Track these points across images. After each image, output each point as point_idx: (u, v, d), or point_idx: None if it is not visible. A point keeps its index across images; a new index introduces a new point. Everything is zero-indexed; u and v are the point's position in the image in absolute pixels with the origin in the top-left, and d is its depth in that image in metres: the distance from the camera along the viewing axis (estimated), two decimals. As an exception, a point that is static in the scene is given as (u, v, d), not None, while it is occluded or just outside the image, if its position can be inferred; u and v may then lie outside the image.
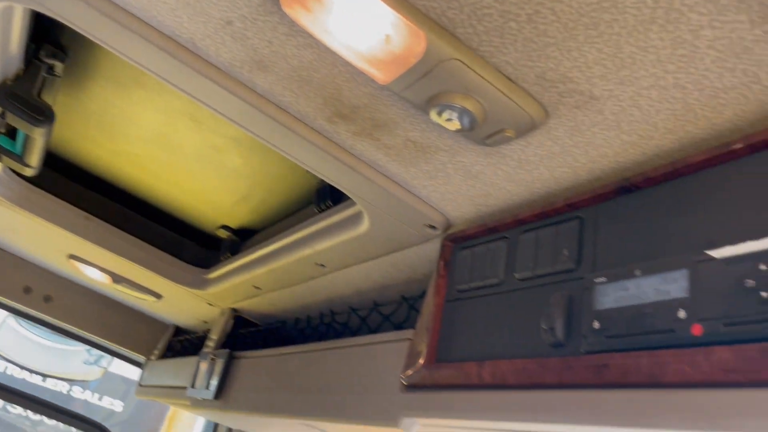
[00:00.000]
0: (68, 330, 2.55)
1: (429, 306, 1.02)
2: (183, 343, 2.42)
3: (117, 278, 2.03)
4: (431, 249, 1.14)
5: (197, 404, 1.80)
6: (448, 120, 0.74)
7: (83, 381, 6.64)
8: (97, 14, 0.81)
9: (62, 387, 6.68)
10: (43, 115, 1.21)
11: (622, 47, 0.61)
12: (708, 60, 0.59)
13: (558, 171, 0.82)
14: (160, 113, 1.34)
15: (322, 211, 1.29)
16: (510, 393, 0.79)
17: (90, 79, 1.31)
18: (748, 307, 0.56)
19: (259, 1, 0.71)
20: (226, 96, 0.90)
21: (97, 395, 6.90)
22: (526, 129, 0.75)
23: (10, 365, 6.29)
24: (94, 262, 1.97)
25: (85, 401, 6.80)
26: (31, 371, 6.25)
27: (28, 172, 1.39)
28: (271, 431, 2.04)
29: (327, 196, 1.27)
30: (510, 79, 0.70)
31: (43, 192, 1.66)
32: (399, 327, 1.24)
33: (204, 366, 1.79)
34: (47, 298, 2.41)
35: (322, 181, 1.05)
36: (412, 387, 0.98)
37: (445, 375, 0.91)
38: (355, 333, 1.42)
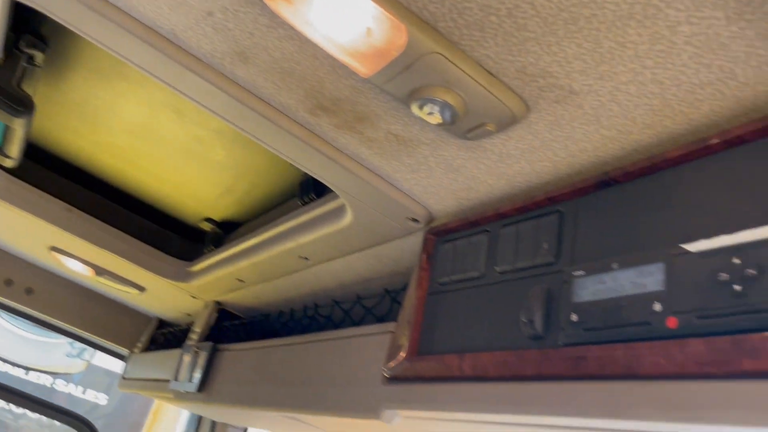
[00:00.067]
0: (50, 323, 2.53)
1: (411, 299, 1.03)
2: (166, 335, 2.41)
3: (99, 271, 2.01)
4: (414, 242, 1.14)
5: (180, 397, 1.80)
6: (430, 114, 0.74)
7: (66, 374, 6.59)
8: (77, 4, 0.80)
9: (45, 380, 6.63)
10: (23, 106, 1.20)
11: (601, 42, 0.61)
12: (685, 56, 0.60)
13: (539, 165, 0.83)
14: (142, 105, 1.33)
15: (305, 204, 1.29)
16: (490, 385, 0.80)
17: (71, 69, 1.30)
18: (721, 300, 0.57)
19: (240, -7, 0.71)
20: (208, 88, 0.89)
21: (81, 388, 6.85)
22: (507, 123, 0.76)
23: (-9, 358, 6.24)
24: (76, 255, 1.95)
25: (69, 394, 6.75)
26: (14, 364, 6.20)
27: (8, 164, 1.38)
28: (255, 424, 2.04)
29: (310, 189, 1.27)
30: (491, 73, 0.70)
31: (23, 183, 1.64)
32: (382, 320, 1.25)
33: (187, 359, 1.79)
34: (29, 291, 2.39)
35: (306, 174, 1.05)
36: (393, 379, 0.98)
37: (427, 367, 0.92)
38: (338, 326, 1.42)
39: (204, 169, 1.50)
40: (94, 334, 2.55)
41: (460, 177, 0.92)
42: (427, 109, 0.74)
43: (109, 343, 2.58)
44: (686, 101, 0.65)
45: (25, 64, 1.23)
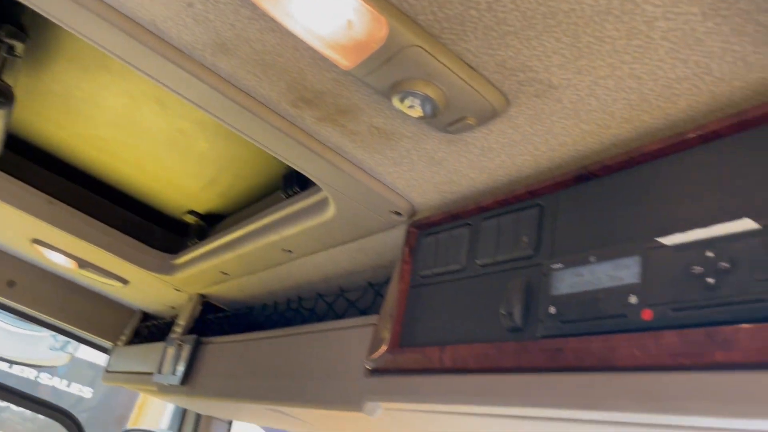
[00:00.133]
0: (33, 316, 2.51)
1: (393, 292, 1.03)
2: (150, 328, 2.40)
3: (82, 263, 2.00)
4: (397, 235, 1.14)
5: (164, 390, 1.79)
6: (410, 107, 0.74)
7: (51, 367, 6.55)
8: None
9: (30, 373, 6.58)
10: (3, 96, 1.19)
11: (579, 37, 0.62)
12: (662, 51, 0.60)
13: (519, 159, 0.84)
14: (124, 96, 1.32)
15: (289, 197, 1.29)
16: (470, 377, 0.80)
17: (53, 60, 1.28)
18: (695, 293, 0.58)
19: (220, -16, 0.71)
20: (189, 79, 0.89)
21: (65, 382, 6.81)
22: (488, 117, 0.76)
23: (-26, 352, 6.17)
24: (58, 247, 1.94)
25: (53, 388, 6.71)
26: (-3, 358, 6.15)
27: (-11, 155, 1.37)
28: (239, 416, 2.04)
29: (294, 182, 1.27)
30: (471, 67, 0.71)
31: (4, 175, 1.63)
32: (365, 312, 1.25)
33: (171, 351, 1.78)
34: (11, 283, 2.37)
35: (289, 166, 1.05)
36: (375, 371, 0.98)
37: (408, 359, 0.92)
38: (321, 318, 1.42)
39: (187, 161, 1.49)
40: (78, 327, 2.54)
41: (442, 170, 0.93)
42: (408, 102, 0.74)
43: (93, 336, 2.57)
44: (663, 96, 0.66)
45: (5, 55, 1.21)
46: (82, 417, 2.60)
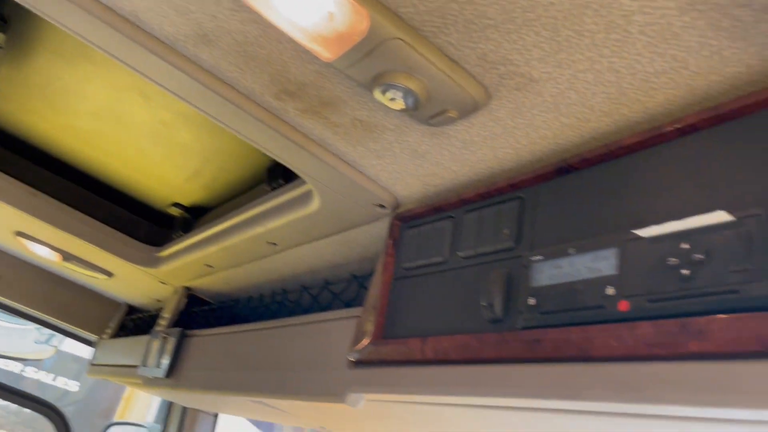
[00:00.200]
0: (17, 309, 2.49)
1: (376, 284, 1.04)
2: (136, 321, 2.39)
3: (67, 256, 1.99)
4: (382, 228, 1.15)
5: (148, 383, 1.79)
6: (392, 99, 0.75)
7: (36, 360, 6.51)
8: None
9: (15, 367, 6.54)
10: (-16, 87, 1.17)
11: (558, 31, 0.62)
12: (639, 45, 0.61)
13: (501, 152, 0.84)
14: (108, 88, 1.31)
15: (273, 189, 1.28)
16: (451, 368, 0.81)
17: (35, 51, 1.27)
18: (670, 284, 0.59)
19: (201, -26, 0.70)
20: (172, 71, 0.88)
21: (51, 375, 6.77)
22: (469, 110, 0.76)
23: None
24: (42, 240, 1.92)
25: (39, 381, 6.67)
26: (-18, 351, 6.10)
27: (-30, 147, 1.35)
28: (224, 409, 2.04)
29: (278, 175, 1.27)
30: (452, 60, 0.71)
31: None
32: (349, 305, 1.26)
33: (156, 344, 1.78)
34: (-6, 277, 2.35)
35: (274, 159, 1.05)
36: (358, 363, 0.99)
37: (391, 351, 0.93)
38: (306, 311, 1.42)
39: (171, 153, 1.48)
40: (63, 320, 2.52)
41: (425, 163, 0.93)
42: (389, 94, 0.74)
43: (78, 329, 2.55)
44: (641, 90, 0.66)
45: (-15, 45, 1.20)
46: (68, 410, 2.59)
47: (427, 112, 0.78)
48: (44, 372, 6.71)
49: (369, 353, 0.97)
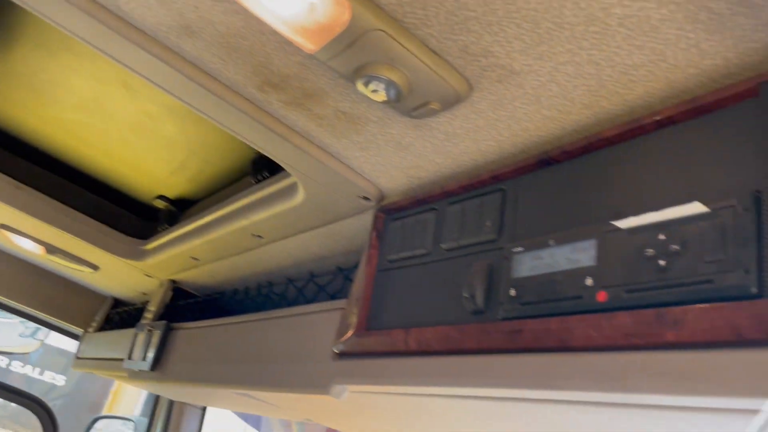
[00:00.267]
0: (2, 302, 2.47)
1: (361, 276, 1.04)
2: (121, 315, 2.38)
3: (51, 249, 1.98)
4: (366, 220, 1.15)
5: (134, 376, 1.79)
6: (374, 91, 0.75)
7: (21, 354, 6.47)
8: None
9: (1, 361, 6.50)
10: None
11: (539, 23, 0.63)
12: (619, 37, 0.61)
13: (483, 144, 0.84)
14: (91, 79, 1.30)
15: (258, 182, 1.28)
16: (433, 359, 0.82)
17: (17, 42, 1.26)
18: (647, 274, 0.59)
19: (182, -36, 0.70)
20: (154, 62, 0.88)
21: (38, 369, 6.74)
22: (451, 102, 0.77)
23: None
24: (26, 233, 1.91)
25: (26, 375, 6.63)
26: (-34, 346, 6.04)
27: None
28: (210, 402, 2.04)
29: (263, 167, 1.26)
30: (434, 52, 0.71)
31: None
32: (334, 297, 1.26)
33: (141, 337, 1.77)
34: (-22, 270, 2.33)
35: (258, 151, 1.05)
36: (343, 355, 0.99)
37: (374, 342, 0.93)
38: (292, 303, 1.42)
39: (155, 146, 1.47)
40: (48, 314, 2.51)
41: (409, 155, 0.93)
42: (372, 86, 0.74)
43: (63, 322, 2.54)
44: (621, 82, 0.67)
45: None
46: (55, 404, 2.58)
47: (409, 104, 0.78)
48: (31, 366, 6.67)
49: (353, 345, 0.98)
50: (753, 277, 0.52)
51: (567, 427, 0.83)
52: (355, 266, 1.24)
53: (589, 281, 0.64)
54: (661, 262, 0.58)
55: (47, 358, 6.78)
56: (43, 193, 1.71)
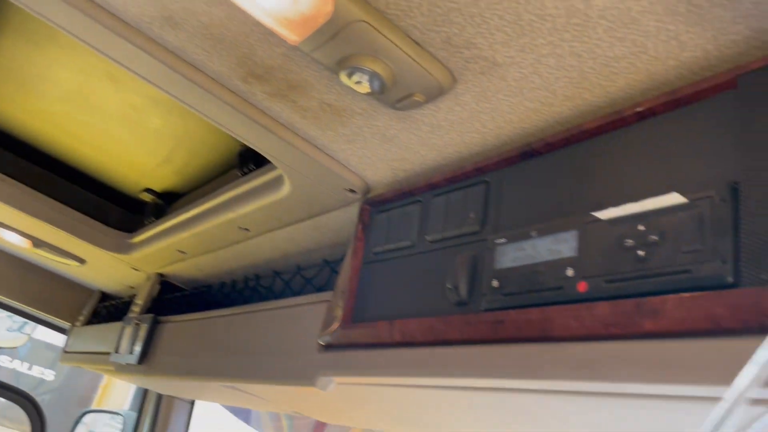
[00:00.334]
0: (-13, 296, 2.46)
1: (346, 268, 1.04)
2: (109, 308, 2.37)
3: (37, 242, 1.96)
4: (353, 213, 1.15)
5: (121, 369, 1.78)
6: (358, 83, 0.75)
7: (10, 349, 6.43)
8: None
9: (-12, 356, 6.46)
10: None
11: (521, 15, 0.63)
12: (600, 29, 0.62)
13: (467, 136, 0.85)
14: (76, 71, 1.29)
15: (244, 174, 1.28)
16: (418, 350, 0.82)
17: (1, 35, 1.25)
18: (627, 265, 0.60)
19: (163, -46, 0.69)
20: (137, 53, 0.87)
21: (26, 364, 6.70)
22: (435, 94, 0.77)
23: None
24: (12, 226, 1.90)
25: (14, 370, 6.60)
26: (-47, 340, 6.00)
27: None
28: (197, 395, 2.04)
29: (249, 160, 1.26)
30: (417, 43, 0.71)
31: None
32: (321, 290, 1.26)
33: (128, 331, 1.77)
34: (-37, 263, 2.32)
35: (245, 144, 1.05)
36: (328, 347, 0.99)
37: (360, 334, 0.94)
38: (279, 296, 1.42)
39: (141, 138, 1.47)
40: (35, 308, 2.49)
41: (394, 147, 0.93)
42: (355, 77, 0.74)
43: (51, 316, 2.52)
44: (602, 74, 0.67)
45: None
46: (43, 399, 2.57)
47: (393, 95, 0.78)
48: (19, 361, 6.64)
49: (338, 337, 0.98)
50: (729, 267, 0.52)
51: (549, 417, 0.84)
52: (342, 259, 1.24)
53: (570, 272, 0.65)
54: (640, 253, 0.59)
55: (36, 352, 6.75)
56: (29, 186, 1.69)
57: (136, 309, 1.89)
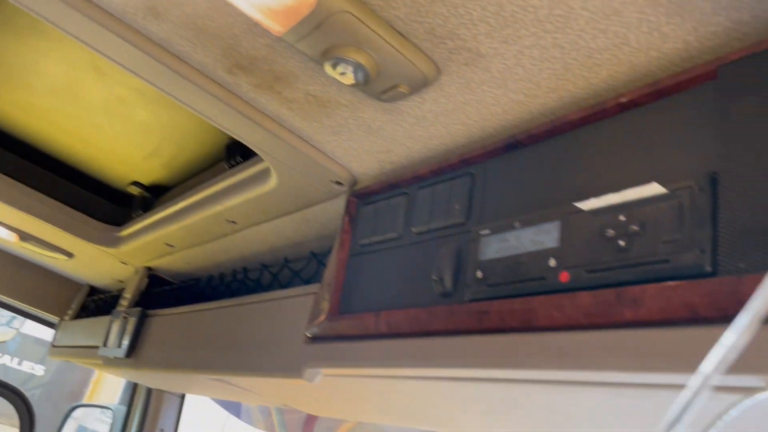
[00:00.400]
0: (-26, 291, 2.44)
1: (333, 261, 1.04)
2: (98, 302, 2.36)
3: (24, 236, 1.95)
4: (340, 205, 1.15)
5: (109, 363, 1.78)
6: (342, 74, 0.75)
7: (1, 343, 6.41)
8: None
9: (-24, 351, 6.44)
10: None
11: (503, 6, 0.63)
12: (582, 21, 0.62)
13: (452, 128, 0.85)
14: (61, 63, 1.28)
15: (231, 167, 1.28)
16: (403, 341, 0.82)
17: (-16, 24, 1.24)
18: (608, 255, 0.60)
19: (146, -56, 0.69)
20: (121, 44, 0.87)
21: (16, 359, 6.68)
22: (420, 85, 0.77)
23: None
24: (-1, 219, 1.89)
25: (4, 365, 6.58)
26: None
27: None
28: (186, 389, 2.03)
29: (236, 152, 1.26)
30: (401, 34, 0.71)
31: None
32: (309, 282, 1.26)
33: (116, 325, 1.76)
34: (-50, 257, 2.30)
35: (232, 136, 1.04)
36: (315, 339, 1.00)
37: (346, 326, 0.94)
38: (267, 289, 1.42)
39: (128, 131, 1.46)
40: (23, 302, 2.48)
41: (380, 139, 0.93)
42: (340, 68, 0.74)
43: (39, 311, 2.51)
44: (586, 66, 0.68)
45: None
46: (33, 394, 2.56)
47: (378, 87, 0.78)
48: (9, 356, 6.61)
49: (325, 329, 0.98)
50: (707, 257, 0.53)
51: (533, 406, 0.84)
52: (329, 251, 1.24)
53: (552, 262, 0.65)
54: (621, 243, 0.59)
55: (25, 347, 6.73)
56: (15, 179, 1.68)
57: (124, 303, 1.88)
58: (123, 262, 1.95)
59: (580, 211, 0.65)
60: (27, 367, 6.70)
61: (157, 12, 0.80)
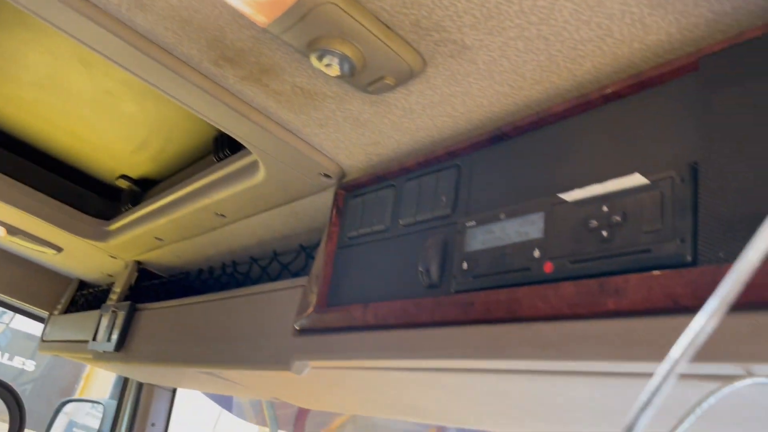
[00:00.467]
0: (-38, 286, 2.43)
1: (321, 253, 1.04)
2: (87, 297, 2.35)
3: (12, 230, 1.94)
4: (328, 198, 1.15)
5: (99, 357, 1.77)
6: (328, 65, 0.75)
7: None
8: None
9: (-34, 347, 6.41)
10: None
11: None
12: (566, 12, 0.62)
13: (439, 120, 0.85)
14: (47, 55, 1.28)
15: (220, 160, 1.27)
16: (390, 333, 0.83)
17: (-32, 16, 1.23)
18: (591, 245, 0.61)
19: (129, -65, 0.69)
20: (106, 36, 0.86)
21: (7, 355, 6.66)
22: (406, 77, 0.77)
23: None
24: (-15, 214, 1.87)
25: (-6, 361, 6.56)
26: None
27: None
28: (176, 382, 2.03)
29: (224, 145, 1.25)
30: (386, 26, 0.71)
31: None
32: (298, 275, 1.26)
33: (106, 319, 1.76)
34: (-63, 252, 2.28)
35: (220, 129, 1.04)
36: (303, 331, 1.00)
37: (334, 318, 0.94)
38: (256, 282, 1.42)
39: (116, 124, 1.45)
40: (12, 297, 2.47)
41: (367, 132, 0.93)
42: (325, 60, 0.74)
43: (28, 305, 2.50)
44: (570, 57, 0.68)
45: None
46: (24, 389, 2.55)
47: (364, 78, 0.78)
48: (-1, 351, 6.59)
49: (313, 321, 0.98)
50: (688, 246, 0.53)
51: (519, 396, 0.85)
52: (318, 244, 1.24)
53: (536, 253, 0.66)
54: (604, 233, 0.60)
55: (16, 343, 6.70)
56: (2, 173, 1.67)
57: (114, 297, 1.88)
58: (112, 256, 1.94)
59: (564, 202, 0.65)
60: (18, 362, 6.68)
61: (142, 3, 0.80)
